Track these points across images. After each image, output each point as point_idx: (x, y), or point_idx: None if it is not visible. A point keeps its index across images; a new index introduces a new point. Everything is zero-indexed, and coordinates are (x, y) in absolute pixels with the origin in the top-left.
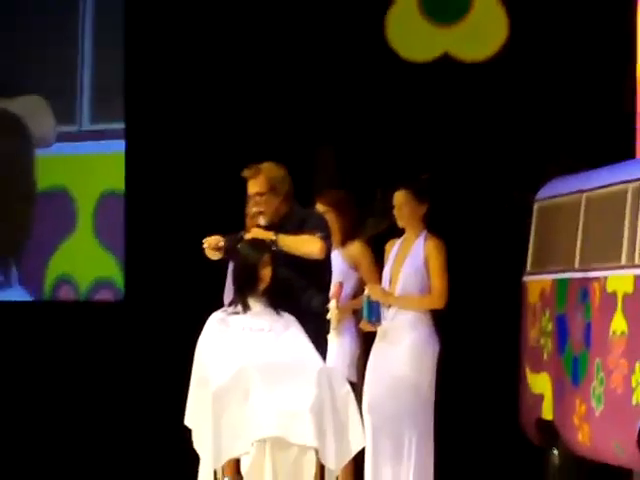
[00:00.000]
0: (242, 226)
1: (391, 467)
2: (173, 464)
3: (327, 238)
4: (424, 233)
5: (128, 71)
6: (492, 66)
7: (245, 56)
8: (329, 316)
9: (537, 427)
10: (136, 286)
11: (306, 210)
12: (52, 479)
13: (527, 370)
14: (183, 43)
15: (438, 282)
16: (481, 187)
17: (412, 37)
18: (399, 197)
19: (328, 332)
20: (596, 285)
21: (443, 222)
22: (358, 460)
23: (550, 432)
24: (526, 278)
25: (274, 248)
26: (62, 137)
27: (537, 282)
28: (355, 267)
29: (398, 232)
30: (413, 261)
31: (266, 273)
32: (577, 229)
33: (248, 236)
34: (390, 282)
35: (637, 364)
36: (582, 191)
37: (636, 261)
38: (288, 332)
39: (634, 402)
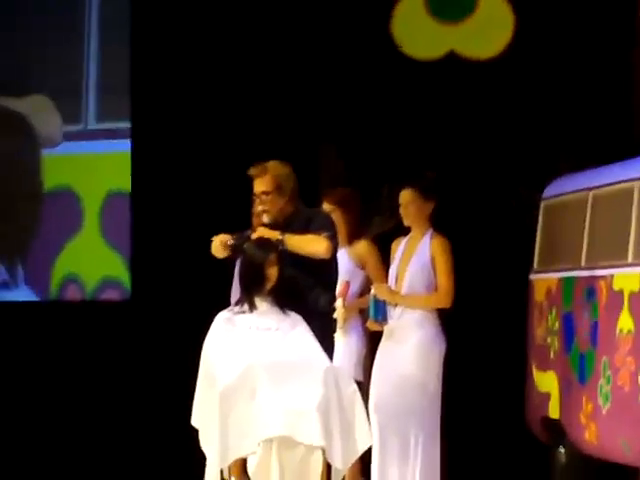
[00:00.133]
0: (248, 225)
1: (398, 466)
2: (180, 464)
3: (333, 237)
4: (430, 232)
5: (134, 70)
6: (498, 64)
7: (251, 54)
8: (335, 315)
9: (543, 425)
10: (142, 285)
11: (312, 209)
12: (57, 477)
13: (534, 368)
14: (189, 42)
15: (444, 281)
16: (487, 185)
17: (418, 35)
18: (405, 195)
19: (334, 331)
20: (603, 283)
21: (449, 220)
22: (365, 459)
23: (557, 430)
24: (532, 276)
25: (280, 247)
26: (68, 136)
27: (543, 280)
28: (361, 266)
29: (404, 231)
30: (419, 260)
31: (273, 272)
32: (584, 227)
33: (254, 235)
34: (396, 281)
35: None
36: (589, 189)
37: None
38: (295, 331)
39: None
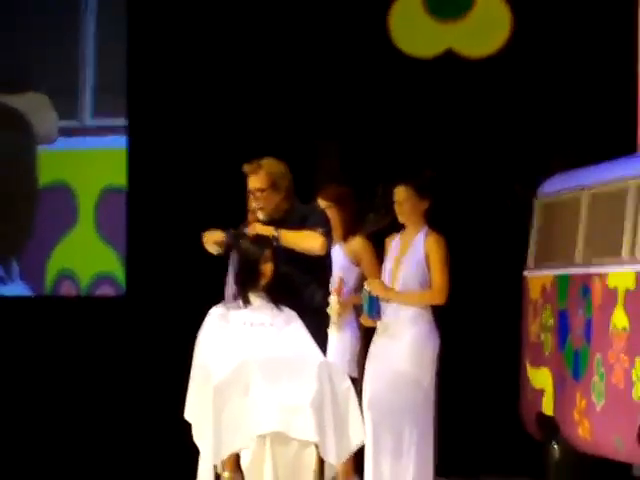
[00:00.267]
0: (244, 222)
1: (391, 462)
2: (173, 459)
3: (328, 234)
4: (425, 229)
5: (130, 67)
6: (495, 62)
7: (247, 52)
8: (329, 311)
9: (537, 422)
10: (137, 281)
11: (307, 206)
12: (53, 473)
13: (528, 365)
14: (185, 38)
15: (439, 277)
16: (483, 183)
17: (415, 33)
18: (400, 193)
19: (328, 327)
20: (597, 281)
21: (445, 217)
22: (358, 455)
23: (550, 427)
24: (527, 273)
25: (275, 243)
26: (64, 132)
27: (538, 277)
28: (356, 262)
29: (398, 227)
30: (414, 257)
31: (267, 268)
32: (578, 225)
33: (249, 231)
34: (391, 277)
35: (637, 359)
36: (583, 187)
37: (637, 257)
38: (289, 327)
39: (635, 397)
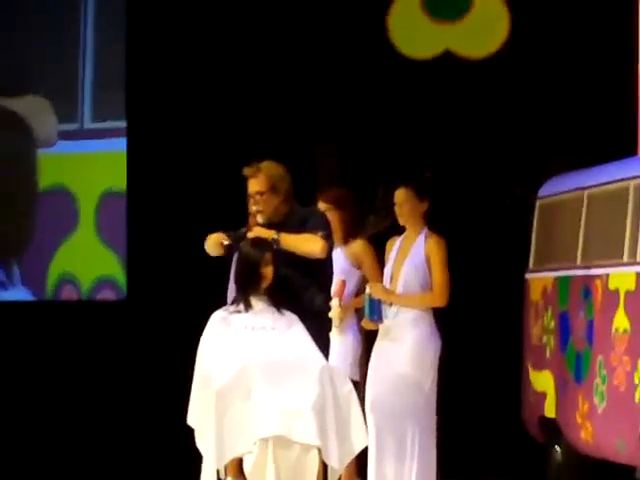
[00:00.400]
0: (244, 224)
1: (394, 465)
2: (176, 463)
3: (328, 237)
4: (425, 231)
5: (129, 69)
6: (494, 63)
7: (246, 54)
8: (331, 314)
9: (540, 425)
10: (138, 285)
11: (307, 209)
12: (54, 477)
13: (529, 368)
14: (184, 41)
15: (439, 280)
16: (483, 184)
17: (414, 34)
18: (400, 195)
19: (330, 330)
20: (598, 282)
21: (445, 219)
22: (361, 458)
23: (553, 430)
24: (528, 275)
25: (276, 247)
26: (64, 135)
27: (539, 279)
28: (357, 265)
29: (399, 230)
30: (414, 259)
31: (268, 272)
32: (579, 226)
33: (250, 235)
34: (391, 280)
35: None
36: (584, 188)
37: (638, 258)
38: (290, 331)
39: (637, 399)
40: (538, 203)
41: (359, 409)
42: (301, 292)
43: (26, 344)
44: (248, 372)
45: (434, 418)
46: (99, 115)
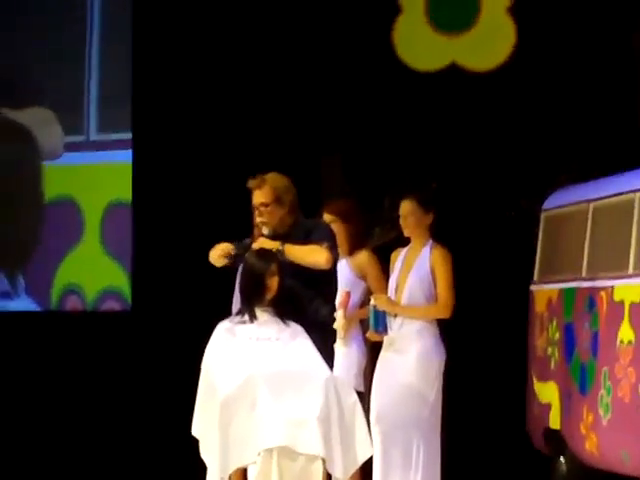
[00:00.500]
0: (249, 236)
1: (400, 476)
2: (180, 474)
3: (333, 248)
4: (430, 242)
5: (135, 81)
6: (499, 76)
7: (252, 66)
8: (336, 326)
9: (544, 436)
10: (143, 296)
11: (312, 220)
12: None
13: (534, 379)
14: (190, 53)
15: (444, 291)
16: (488, 196)
17: (419, 47)
18: (405, 206)
19: (334, 342)
20: (603, 294)
21: (450, 231)
22: (365, 469)
23: (557, 441)
24: (533, 287)
25: (280, 258)
26: (69, 147)
27: (544, 291)
28: (362, 276)
29: (405, 242)
30: (419, 270)
31: (273, 283)
32: (584, 238)
33: (255, 246)
34: (396, 291)
35: None
36: (589, 200)
37: None
38: (295, 341)
39: None
40: (543, 215)
41: (364, 420)
42: (306, 303)
43: (31, 354)
44: (253, 383)
45: (439, 429)
46: (105, 127)
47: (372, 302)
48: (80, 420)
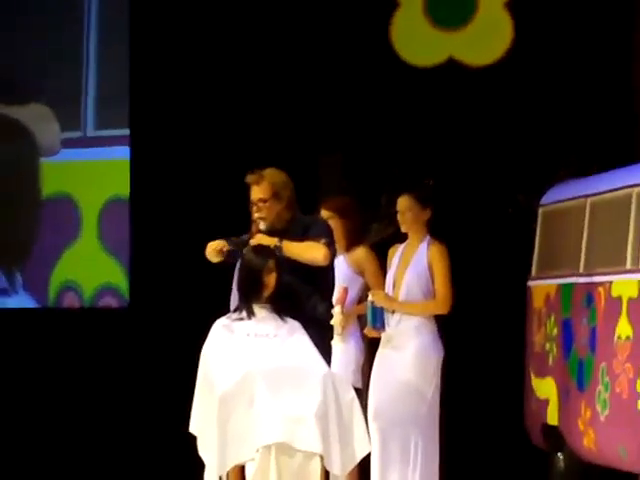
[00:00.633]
0: (247, 232)
1: (398, 472)
2: (178, 470)
3: (331, 244)
4: (427, 238)
5: (133, 77)
6: (497, 71)
7: (249, 62)
8: (333, 322)
9: (542, 432)
10: (141, 292)
11: (310, 216)
12: None
13: (532, 375)
14: (188, 50)
15: (442, 287)
16: (486, 192)
17: (417, 42)
18: (402, 202)
19: (332, 338)
20: (601, 290)
21: (448, 227)
22: (363, 466)
23: (555, 437)
24: (531, 283)
25: (278, 254)
26: (67, 143)
27: (542, 287)
28: (360, 273)
29: (402, 238)
30: (417, 266)
31: (271, 279)
32: (582, 234)
33: (252, 242)
34: (394, 288)
35: None
36: (587, 196)
37: None
38: (293, 338)
39: (639, 406)
40: (541, 211)
41: (362, 416)
42: (304, 300)
43: (28, 351)
44: (250, 379)
45: (437, 426)
46: (102, 123)
47: (370, 298)
48: (78, 417)
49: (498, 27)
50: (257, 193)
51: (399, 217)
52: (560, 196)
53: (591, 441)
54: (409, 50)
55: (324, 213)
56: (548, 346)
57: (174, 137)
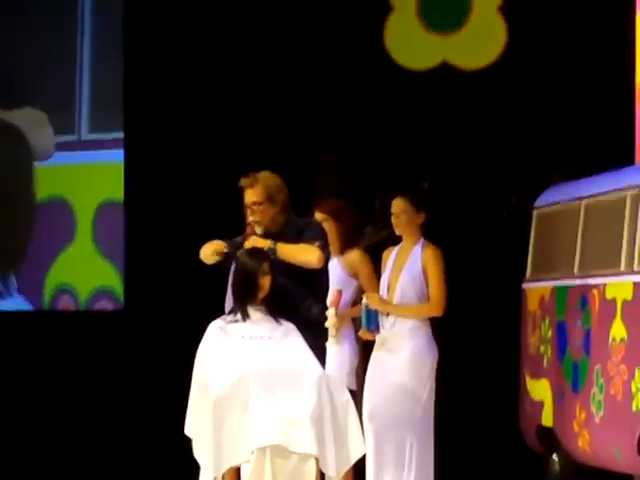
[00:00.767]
0: (241, 234)
1: (392, 475)
2: (174, 473)
3: (325, 247)
4: (421, 241)
5: (127, 81)
6: (490, 74)
7: (244, 65)
8: (327, 324)
9: (537, 434)
10: (136, 295)
11: (304, 219)
12: None
13: (527, 377)
14: (182, 53)
15: (436, 290)
16: (480, 194)
17: (411, 45)
18: (397, 205)
19: (326, 340)
20: (595, 292)
21: (442, 229)
22: (358, 467)
23: (550, 439)
24: (525, 285)
25: (273, 256)
26: (61, 147)
27: (536, 289)
28: (354, 275)
29: (396, 240)
30: (411, 269)
31: (265, 282)
32: (576, 236)
33: (247, 245)
34: (388, 290)
35: (637, 370)
36: (581, 198)
37: (635, 268)
38: (287, 340)
39: (634, 408)
40: (535, 213)
41: (356, 418)
42: (298, 302)
43: (23, 354)
44: (245, 381)
45: (432, 428)
46: (97, 126)
47: (364, 301)
48: (74, 420)
49: (492, 31)
50: (251, 196)
51: (393, 220)
52: (554, 198)
53: (586, 443)
54: (403, 53)
55: (318, 216)
56: (543, 348)
57: (168, 140)
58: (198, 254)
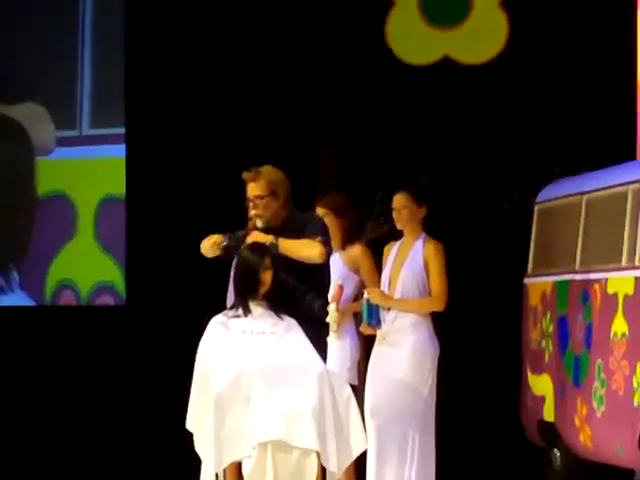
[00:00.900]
0: (242, 228)
1: (394, 469)
2: (175, 468)
3: (327, 242)
4: (423, 236)
5: (128, 76)
6: (492, 69)
7: (246, 60)
8: (329, 319)
9: (538, 429)
10: (137, 290)
11: (305, 214)
12: None
13: (528, 372)
14: (183, 48)
15: (437, 285)
16: (481, 189)
17: (412, 40)
18: (398, 200)
19: (328, 335)
20: (597, 287)
21: (444, 224)
22: (359, 463)
23: (552, 433)
24: (527, 280)
25: (274, 251)
26: (63, 142)
27: (538, 284)
28: (355, 270)
29: (397, 235)
30: (412, 264)
31: (267, 277)
32: (578, 231)
33: (249, 240)
34: (389, 285)
35: (638, 365)
36: (582, 193)
37: (636, 262)
38: (289, 335)
39: (635, 403)
40: (537, 208)
41: (358, 413)
42: (299, 297)
43: (25, 349)
44: (247, 376)
45: (433, 423)
46: (98, 121)
47: (365, 296)
48: (75, 414)
49: (493, 26)
50: (254, 190)
51: (395, 215)
52: (556, 193)
53: (587, 437)
54: (404, 48)
55: (319, 211)
56: (544, 343)
57: (170, 135)
58: (199, 249)
